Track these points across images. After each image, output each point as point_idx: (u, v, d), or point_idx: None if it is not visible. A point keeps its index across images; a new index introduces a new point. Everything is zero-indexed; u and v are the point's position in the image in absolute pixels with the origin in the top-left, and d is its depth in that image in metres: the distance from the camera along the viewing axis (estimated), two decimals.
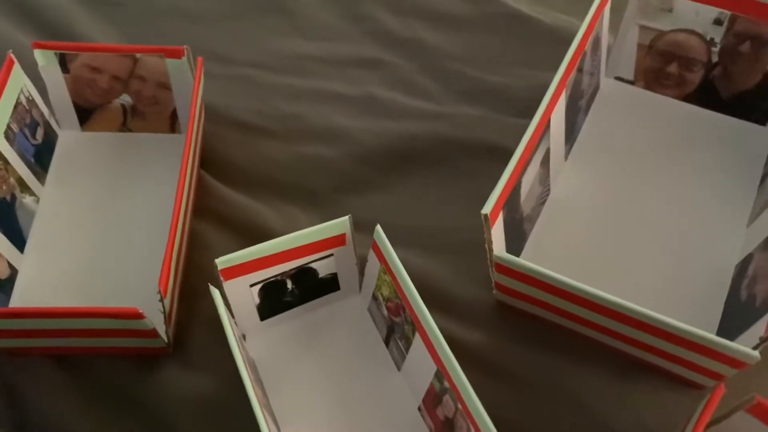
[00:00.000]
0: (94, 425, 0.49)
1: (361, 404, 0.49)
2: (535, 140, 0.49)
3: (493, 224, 0.45)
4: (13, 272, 0.54)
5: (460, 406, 0.43)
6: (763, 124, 0.61)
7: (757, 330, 0.42)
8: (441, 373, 0.44)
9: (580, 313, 0.45)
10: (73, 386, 0.50)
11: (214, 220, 0.59)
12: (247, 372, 0.43)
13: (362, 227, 0.53)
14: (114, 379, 0.51)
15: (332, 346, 0.52)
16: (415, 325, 0.46)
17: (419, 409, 0.48)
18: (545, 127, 0.51)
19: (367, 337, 0.53)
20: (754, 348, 0.40)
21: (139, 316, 0.44)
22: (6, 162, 0.54)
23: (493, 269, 0.47)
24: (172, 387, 0.50)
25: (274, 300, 0.52)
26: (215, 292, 0.46)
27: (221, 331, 0.52)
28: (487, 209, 0.43)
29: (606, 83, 0.65)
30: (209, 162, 0.63)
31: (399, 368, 0.50)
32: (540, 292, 0.45)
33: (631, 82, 0.65)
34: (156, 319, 0.47)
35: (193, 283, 0.55)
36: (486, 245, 0.46)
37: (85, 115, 0.62)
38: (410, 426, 0.48)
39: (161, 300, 0.46)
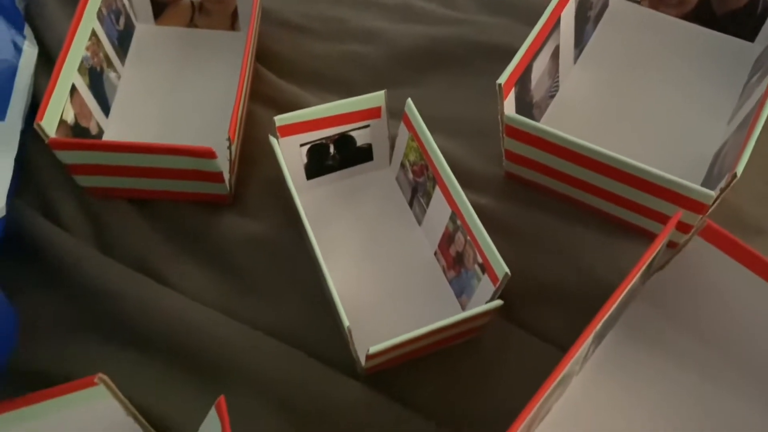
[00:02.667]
0: (168, 257, 0.59)
1: (386, 251, 0.59)
2: (546, 31, 0.57)
3: (506, 96, 0.54)
4: (100, 132, 0.64)
5: (468, 237, 0.52)
6: (751, 40, 0.69)
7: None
8: (455, 215, 0.54)
9: (575, 173, 0.54)
10: (149, 224, 0.60)
11: (266, 103, 0.68)
12: (302, 207, 0.53)
13: (393, 115, 0.62)
14: (183, 221, 0.61)
15: (365, 207, 0.62)
16: (436, 179, 0.56)
17: (435, 253, 0.58)
18: (555, 23, 0.59)
19: (394, 201, 0.62)
20: (715, 200, 0.49)
21: (212, 154, 0.54)
22: (97, 38, 0.64)
23: (504, 134, 0.56)
24: (233, 230, 0.60)
25: (319, 162, 0.61)
26: (274, 142, 0.56)
27: (273, 190, 0.63)
28: (501, 80, 0.52)
29: (614, 2, 0.73)
30: (262, 57, 0.72)
31: (420, 223, 0.60)
32: (542, 153, 0.54)
33: (638, 2, 0.73)
34: (222, 167, 0.57)
35: (249, 152, 0.65)
36: (499, 117, 0.56)
37: (158, 9, 0.72)
38: (426, 266, 0.58)
39: (229, 147, 0.56)
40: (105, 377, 0.42)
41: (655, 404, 0.51)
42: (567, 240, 0.58)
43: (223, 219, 0.61)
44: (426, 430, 0.49)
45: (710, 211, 0.50)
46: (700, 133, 0.63)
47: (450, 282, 0.56)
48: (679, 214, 0.46)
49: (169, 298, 0.55)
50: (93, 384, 0.41)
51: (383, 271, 0.58)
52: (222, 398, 0.41)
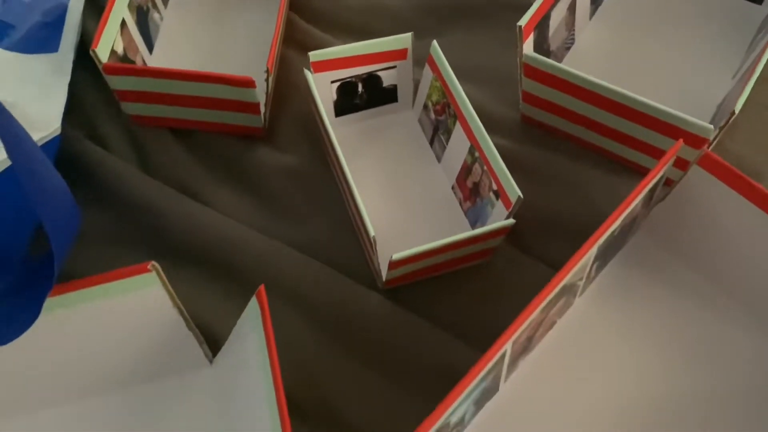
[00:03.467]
0: (206, 181, 0.63)
1: (407, 185, 0.63)
2: None
3: (525, 39, 0.58)
4: None
5: (485, 167, 0.57)
6: (759, 2, 0.73)
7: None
8: (473, 147, 0.58)
9: (587, 112, 0.59)
10: (189, 152, 0.65)
11: (298, 48, 0.73)
12: (334, 135, 0.57)
13: (417, 63, 0.67)
14: (220, 151, 0.65)
15: (388, 145, 0.66)
16: (456, 114, 0.60)
17: (452, 188, 0.63)
18: None
19: (416, 140, 0.67)
20: (715, 137, 0.54)
21: (251, 83, 0.59)
22: None
23: (522, 75, 0.60)
24: (266, 160, 0.64)
25: (347, 100, 0.66)
26: (308, 75, 0.60)
27: (303, 126, 0.67)
28: (522, 22, 0.57)
29: None
30: (295, 5, 0.76)
31: (439, 161, 0.64)
32: (557, 93, 0.59)
33: None
34: (259, 99, 0.61)
35: (281, 92, 0.69)
36: (518, 59, 0.60)
37: None
38: (444, 199, 0.62)
39: (267, 78, 0.60)
40: (157, 265, 0.46)
41: (653, 329, 0.54)
42: (576, 177, 0.62)
43: (257, 150, 0.65)
44: (441, 338, 0.54)
45: (710, 149, 0.55)
46: (705, 88, 0.67)
47: (466, 213, 0.61)
48: (680, 141, 0.50)
49: (208, 216, 0.60)
50: (146, 270, 0.46)
51: (403, 202, 0.62)
52: (262, 287, 0.45)
